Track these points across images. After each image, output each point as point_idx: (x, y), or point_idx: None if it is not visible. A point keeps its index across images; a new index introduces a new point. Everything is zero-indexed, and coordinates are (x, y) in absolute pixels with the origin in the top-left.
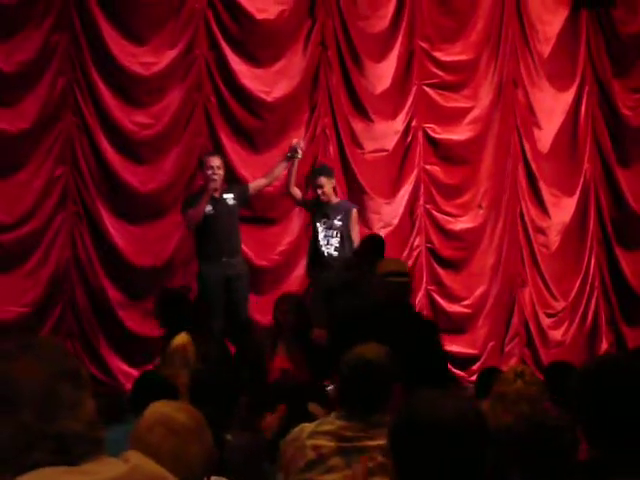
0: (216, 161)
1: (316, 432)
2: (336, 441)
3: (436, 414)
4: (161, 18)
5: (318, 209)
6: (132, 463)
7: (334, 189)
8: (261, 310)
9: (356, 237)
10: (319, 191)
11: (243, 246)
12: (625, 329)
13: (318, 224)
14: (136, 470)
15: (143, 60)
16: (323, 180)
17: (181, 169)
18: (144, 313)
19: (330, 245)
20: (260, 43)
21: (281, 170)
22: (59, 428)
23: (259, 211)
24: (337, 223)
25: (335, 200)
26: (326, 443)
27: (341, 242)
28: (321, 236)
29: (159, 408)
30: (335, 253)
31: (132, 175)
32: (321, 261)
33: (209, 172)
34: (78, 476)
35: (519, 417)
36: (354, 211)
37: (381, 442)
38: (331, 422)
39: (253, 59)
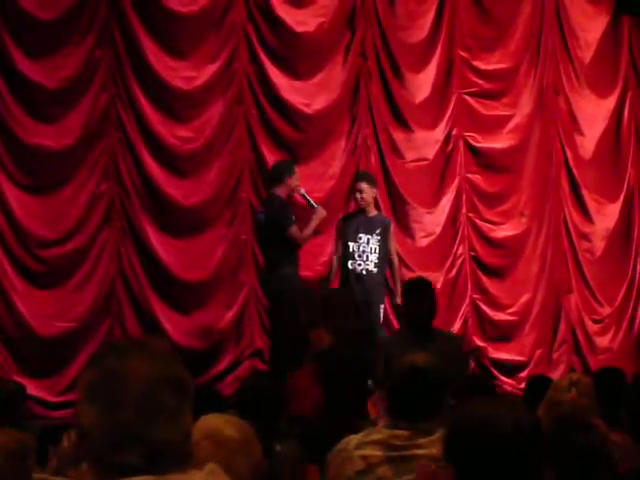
0: None
1: (364, 442)
2: (384, 450)
3: (492, 423)
4: (201, 32)
5: (352, 223)
6: (205, 475)
7: (375, 200)
8: None
9: (395, 254)
10: (358, 196)
11: None
12: None
13: (354, 239)
14: None
15: (184, 74)
16: (364, 186)
17: (224, 182)
18: (191, 326)
19: (369, 262)
20: (300, 56)
21: None
22: (158, 434)
23: (302, 221)
24: (376, 237)
25: (373, 213)
26: (374, 452)
27: (379, 258)
28: (358, 252)
29: (207, 422)
30: (375, 270)
31: (175, 189)
32: (359, 279)
33: (298, 183)
34: None
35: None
36: (392, 226)
37: (431, 451)
38: (379, 431)
39: (293, 72)
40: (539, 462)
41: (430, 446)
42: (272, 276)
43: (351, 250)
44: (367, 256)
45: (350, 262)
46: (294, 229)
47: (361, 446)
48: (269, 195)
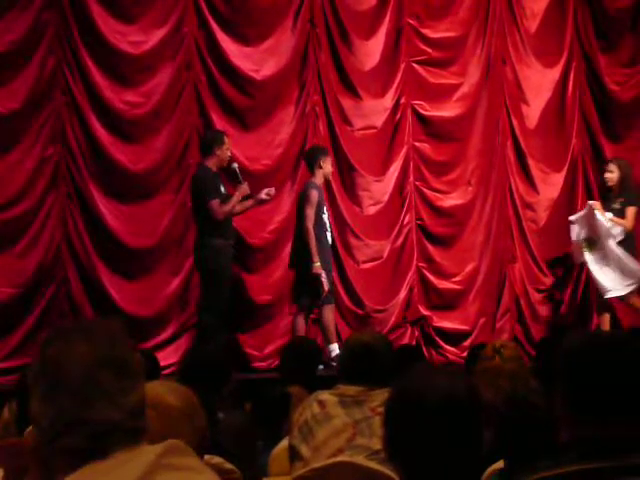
0: None
1: (322, 392)
2: (339, 397)
3: (426, 390)
4: None
5: (320, 195)
6: (156, 457)
7: None
8: (254, 289)
9: None
10: (330, 175)
11: (236, 225)
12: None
13: (324, 211)
14: (160, 465)
15: (132, 39)
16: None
17: (172, 148)
18: (137, 293)
19: (330, 232)
20: (249, 21)
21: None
22: (96, 416)
23: (250, 189)
24: (326, 206)
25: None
26: (329, 397)
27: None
28: (328, 224)
29: (149, 391)
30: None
31: (123, 154)
32: (329, 248)
33: (230, 154)
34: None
35: (498, 393)
36: None
37: (384, 395)
38: (336, 388)
39: (242, 37)
40: (475, 430)
41: (382, 394)
42: (197, 246)
43: (325, 221)
44: (330, 226)
45: (328, 234)
46: (214, 202)
47: (319, 394)
48: (198, 166)
